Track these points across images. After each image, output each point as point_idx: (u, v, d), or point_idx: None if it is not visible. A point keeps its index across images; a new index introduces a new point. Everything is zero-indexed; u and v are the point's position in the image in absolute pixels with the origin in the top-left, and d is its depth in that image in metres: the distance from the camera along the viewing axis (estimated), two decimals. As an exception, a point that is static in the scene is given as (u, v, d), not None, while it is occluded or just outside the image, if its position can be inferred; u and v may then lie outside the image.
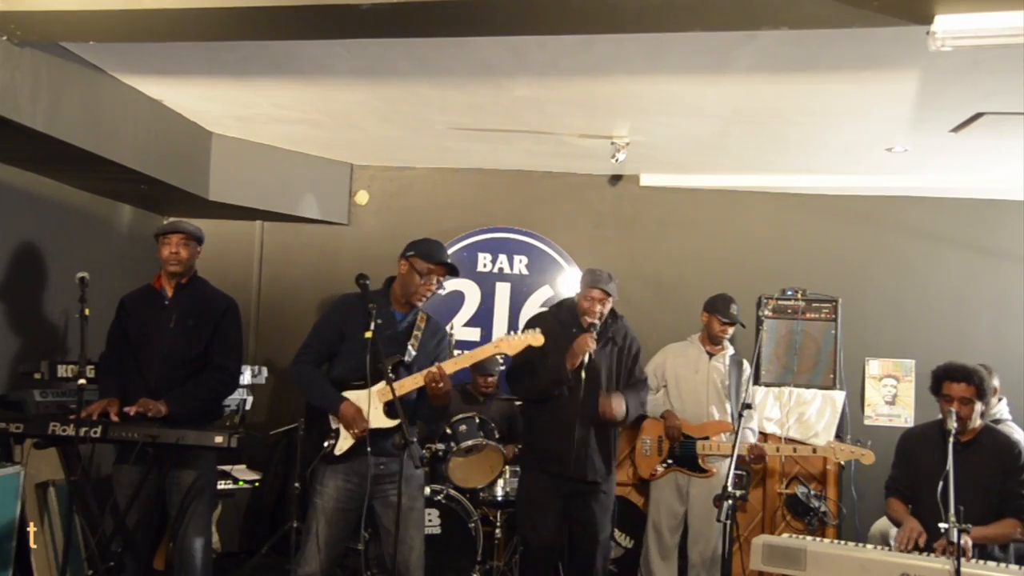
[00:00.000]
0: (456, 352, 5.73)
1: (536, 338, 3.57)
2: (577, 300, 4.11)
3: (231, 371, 3.86)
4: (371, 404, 3.39)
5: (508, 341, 3.56)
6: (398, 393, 3.32)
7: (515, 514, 4.47)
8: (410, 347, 3.53)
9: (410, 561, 3.41)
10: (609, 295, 4.01)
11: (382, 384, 3.36)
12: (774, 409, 5.25)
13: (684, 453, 4.65)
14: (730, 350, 4.79)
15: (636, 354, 4.20)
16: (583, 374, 3.83)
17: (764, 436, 5.13)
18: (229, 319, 3.87)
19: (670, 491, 4.70)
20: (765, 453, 4.62)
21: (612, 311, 4.12)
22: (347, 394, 3.45)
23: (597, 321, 3.97)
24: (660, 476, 4.74)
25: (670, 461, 4.71)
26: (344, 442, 3.42)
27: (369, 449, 3.34)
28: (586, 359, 3.84)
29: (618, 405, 3.95)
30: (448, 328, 5.68)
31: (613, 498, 4.13)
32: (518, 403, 4.86)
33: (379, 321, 3.44)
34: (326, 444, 3.42)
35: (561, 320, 4.07)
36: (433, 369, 3.36)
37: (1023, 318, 5.60)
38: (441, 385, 3.36)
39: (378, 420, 3.39)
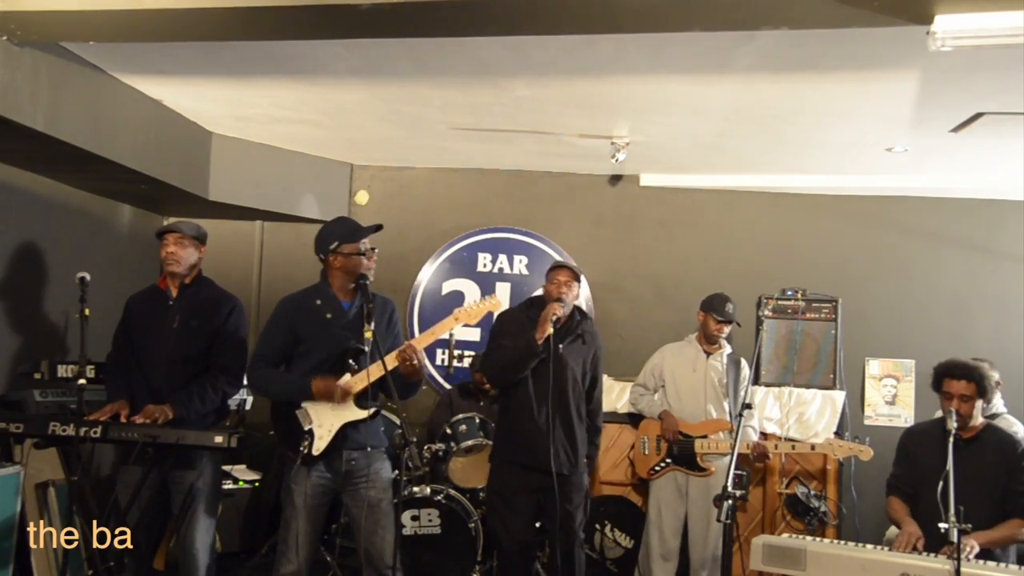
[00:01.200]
0: (459, 353, 5.82)
1: (494, 303, 3.61)
2: (544, 291, 4.19)
3: (235, 371, 3.85)
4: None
5: (467, 311, 3.58)
6: (372, 379, 3.36)
7: (486, 510, 4.48)
8: (365, 333, 3.49)
9: (384, 551, 3.43)
10: (576, 276, 4.13)
11: (347, 376, 3.40)
12: (774, 409, 5.25)
13: (683, 452, 4.65)
14: (727, 349, 4.78)
15: (597, 361, 4.27)
16: (552, 344, 3.93)
17: (764, 436, 5.13)
18: (234, 319, 3.86)
19: (670, 491, 4.69)
20: (768, 451, 4.62)
21: (580, 310, 4.23)
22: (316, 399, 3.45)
23: (564, 302, 4.04)
24: (659, 475, 4.73)
25: (668, 460, 4.71)
26: (320, 441, 3.42)
27: (351, 448, 3.38)
28: (555, 323, 3.93)
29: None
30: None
31: (585, 491, 4.18)
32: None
33: (329, 315, 3.51)
34: (302, 447, 3.40)
35: (530, 316, 4.13)
36: (404, 348, 3.38)
37: (1023, 318, 5.61)
38: (415, 362, 3.39)
39: (351, 413, 3.41)
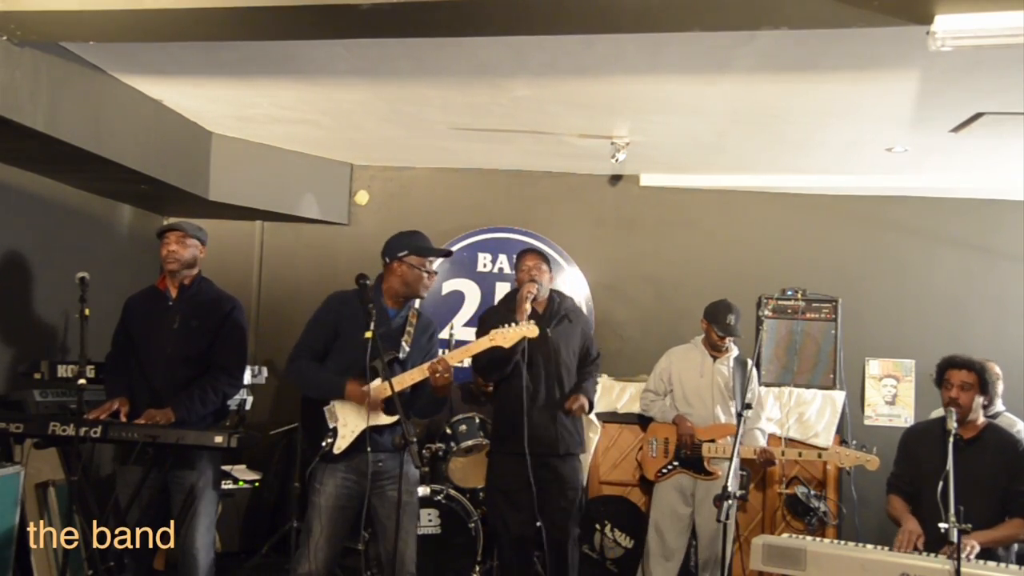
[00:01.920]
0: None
1: (531, 329, 3.59)
2: (516, 280, 4.31)
3: (235, 372, 3.85)
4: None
5: (503, 334, 3.55)
6: (398, 389, 3.34)
7: (486, 505, 4.52)
8: (404, 343, 3.54)
9: (405, 554, 3.44)
10: (545, 259, 4.24)
11: (378, 381, 3.38)
12: (774, 409, 5.24)
13: (690, 456, 4.64)
14: (734, 351, 4.77)
15: (588, 336, 4.45)
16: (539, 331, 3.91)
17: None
18: (234, 320, 3.86)
19: (674, 493, 4.69)
20: (775, 457, 4.59)
21: (558, 292, 4.35)
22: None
23: (535, 284, 4.14)
24: (666, 478, 4.73)
25: (676, 463, 4.70)
26: (343, 440, 3.42)
27: (369, 449, 3.36)
28: (534, 298, 4.07)
29: (580, 403, 4.19)
30: (448, 328, 5.73)
31: (582, 486, 4.28)
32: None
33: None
34: (324, 444, 3.41)
35: (510, 308, 4.20)
36: (436, 361, 3.37)
37: (1022, 318, 5.61)
38: (446, 375, 3.38)
39: (376, 418, 3.40)
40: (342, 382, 3.42)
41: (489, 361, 4.11)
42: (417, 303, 3.73)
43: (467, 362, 5.75)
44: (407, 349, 3.53)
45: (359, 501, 3.46)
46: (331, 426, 3.44)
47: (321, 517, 3.43)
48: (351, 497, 3.46)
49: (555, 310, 4.27)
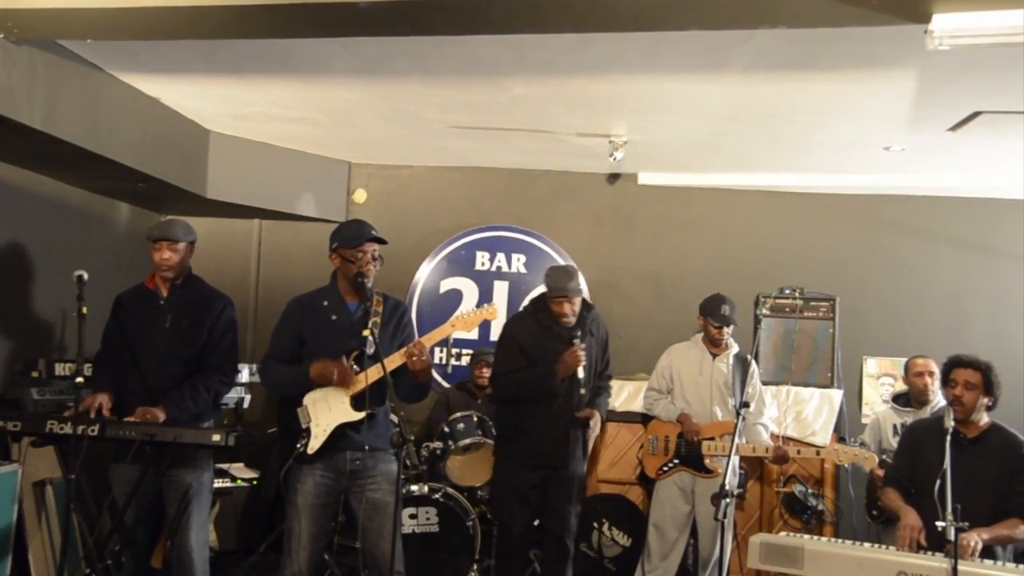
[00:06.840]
0: (456, 351, 5.83)
1: (491, 312, 3.58)
2: (553, 312, 4.18)
3: (227, 371, 3.85)
4: (339, 399, 3.40)
5: (464, 319, 3.53)
6: (371, 380, 3.34)
7: (491, 500, 4.57)
8: (369, 337, 3.45)
9: (387, 553, 3.39)
10: (574, 297, 4.14)
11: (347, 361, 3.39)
12: (772, 408, 5.25)
13: (690, 453, 4.64)
14: (734, 348, 4.76)
15: (607, 342, 4.42)
16: (578, 376, 4.02)
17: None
18: (225, 319, 3.86)
19: (674, 491, 4.69)
20: (788, 454, 4.58)
21: (585, 303, 4.28)
22: (313, 394, 3.44)
23: (573, 319, 4.12)
24: (666, 476, 4.73)
25: (676, 461, 4.70)
26: (316, 440, 3.41)
27: (372, 450, 3.39)
28: (580, 371, 4.02)
29: (597, 422, 4.25)
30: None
31: (583, 481, 4.34)
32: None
33: (334, 317, 3.50)
34: (299, 444, 3.41)
35: (539, 321, 4.20)
36: (412, 346, 3.34)
37: (1021, 316, 5.62)
38: (423, 359, 3.33)
39: (347, 414, 3.39)
40: (304, 369, 3.42)
41: (513, 390, 4.17)
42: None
43: (464, 361, 5.79)
44: (372, 341, 3.42)
45: (336, 498, 3.49)
46: (304, 426, 3.43)
47: (301, 517, 3.42)
48: (329, 494, 3.46)
49: (584, 323, 4.20)
